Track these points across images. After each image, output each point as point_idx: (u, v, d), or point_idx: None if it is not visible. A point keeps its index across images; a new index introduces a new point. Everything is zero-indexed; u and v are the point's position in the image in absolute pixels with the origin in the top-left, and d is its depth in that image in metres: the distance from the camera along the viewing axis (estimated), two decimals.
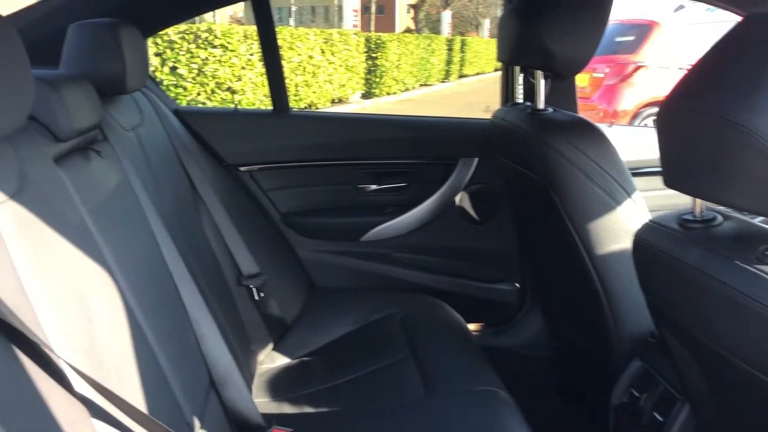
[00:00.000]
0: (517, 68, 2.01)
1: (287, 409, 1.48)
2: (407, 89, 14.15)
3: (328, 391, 1.53)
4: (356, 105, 11.72)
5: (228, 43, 8.05)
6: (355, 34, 12.05)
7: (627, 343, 1.42)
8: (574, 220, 1.40)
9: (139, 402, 0.97)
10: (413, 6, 30.00)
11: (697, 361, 1.07)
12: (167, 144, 1.71)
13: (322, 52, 10.49)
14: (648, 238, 1.05)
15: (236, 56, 8.17)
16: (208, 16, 11.91)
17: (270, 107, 2.13)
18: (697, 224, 0.98)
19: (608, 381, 1.45)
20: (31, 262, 0.83)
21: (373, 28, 22.48)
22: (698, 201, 0.97)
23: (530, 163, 1.51)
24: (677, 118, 0.89)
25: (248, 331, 1.69)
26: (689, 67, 0.90)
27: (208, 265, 1.61)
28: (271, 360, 1.72)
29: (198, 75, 7.87)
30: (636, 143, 2.68)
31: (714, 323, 0.94)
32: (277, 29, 2.07)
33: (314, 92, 10.34)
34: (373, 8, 26.30)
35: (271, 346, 1.77)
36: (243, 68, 8.29)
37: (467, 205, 2.12)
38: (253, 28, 8.30)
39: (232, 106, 7.22)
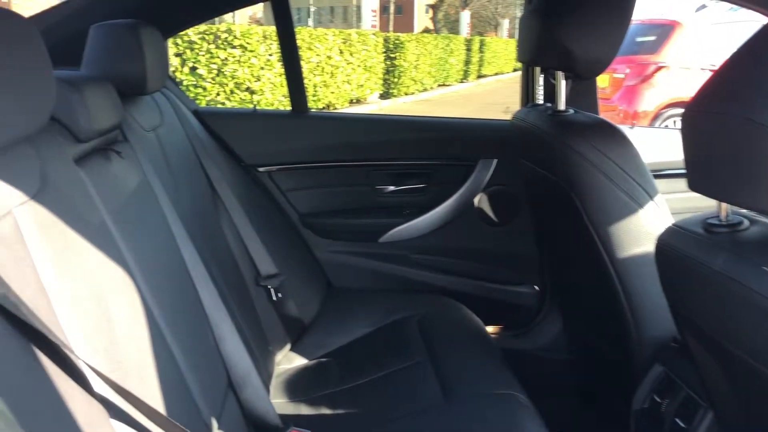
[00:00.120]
0: (538, 69, 1.99)
1: (304, 410, 1.48)
2: (425, 89, 14.13)
3: (346, 393, 1.52)
4: (374, 105, 11.73)
5: (247, 43, 8.09)
6: (373, 34, 12.06)
7: (648, 347, 1.40)
8: (595, 222, 1.38)
9: (157, 403, 0.97)
10: (432, 6, 29.95)
11: (721, 367, 1.05)
12: (187, 144, 1.71)
13: (341, 52, 10.51)
14: (672, 243, 1.03)
15: (255, 56, 8.21)
16: (227, 16, 11.99)
17: (289, 108, 2.14)
18: (722, 228, 0.96)
19: (629, 386, 1.43)
20: (52, 262, 0.83)
21: (391, 28, 22.51)
22: (724, 205, 0.96)
23: (551, 164, 1.50)
24: (702, 120, 0.87)
25: (266, 331, 1.69)
26: (712, 67, 0.88)
27: (226, 265, 1.62)
28: (288, 361, 1.72)
29: (217, 75, 7.92)
30: (657, 145, 2.65)
31: (740, 329, 0.92)
32: (295, 30, 2.07)
33: (332, 92, 10.36)
34: (392, 8, 26.31)
35: (288, 346, 1.77)
36: (262, 68, 8.33)
37: (486, 207, 2.11)
38: (272, 29, 8.34)
39: (251, 106, 7.27)
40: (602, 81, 6.20)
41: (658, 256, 1.08)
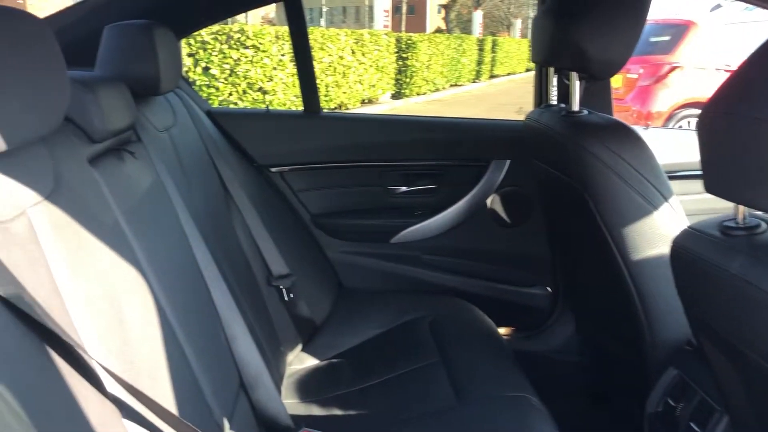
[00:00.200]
0: (551, 69, 1.98)
1: (316, 411, 1.48)
2: (437, 89, 14.11)
3: (357, 394, 1.52)
4: (386, 105, 11.72)
5: (260, 43, 8.11)
6: (385, 34, 12.05)
7: (662, 350, 1.39)
8: (608, 224, 1.37)
9: (169, 403, 0.97)
10: (444, 6, 29.92)
11: (737, 370, 1.04)
12: (199, 145, 1.72)
13: (353, 52, 10.51)
14: (687, 245, 1.02)
15: (268, 57, 8.23)
16: (240, 16, 12.02)
17: (301, 108, 2.14)
18: (739, 231, 0.94)
19: (642, 388, 1.42)
20: (66, 262, 0.83)
21: (403, 28, 22.51)
22: (741, 207, 0.94)
23: (564, 166, 1.49)
24: (719, 122, 0.86)
25: (278, 331, 1.70)
26: (727, 67, 0.87)
27: (238, 265, 1.62)
28: (300, 361, 1.72)
29: (230, 75, 7.95)
30: (672, 146, 2.62)
31: (756, 333, 0.91)
32: (308, 30, 2.08)
33: (344, 93, 10.37)
34: (404, 8, 26.31)
35: (300, 347, 1.77)
36: (274, 69, 8.35)
37: (499, 208, 2.10)
38: (284, 29, 8.36)
39: (264, 106, 7.28)
40: (615, 81, 6.16)
41: (674, 258, 1.07)
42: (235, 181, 1.77)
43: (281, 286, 1.77)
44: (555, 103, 1.96)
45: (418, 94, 13.05)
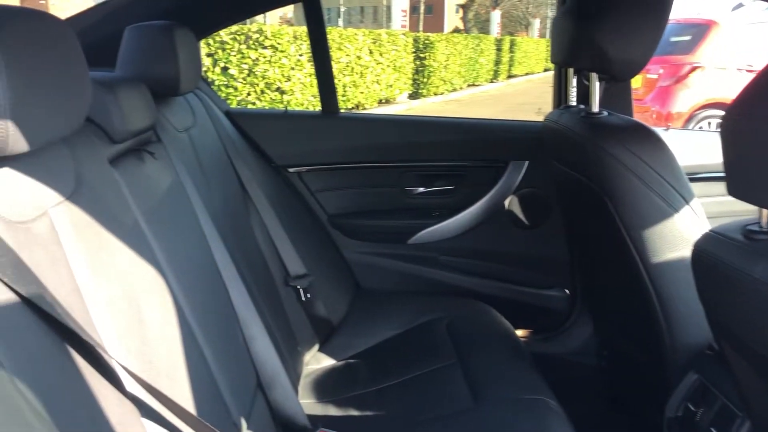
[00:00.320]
0: (571, 70, 1.97)
1: (332, 411, 1.48)
2: (455, 89, 14.08)
3: (374, 395, 1.52)
4: (404, 105, 11.72)
5: (278, 43, 8.14)
6: (403, 34, 12.05)
7: (682, 355, 1.38)
8: (628, 227, 1.36)
9: (187, 402, 0.98)
10: (462, 6, 29.85)
11: (759, 376, 1.02)
12: (218, 145, 1.73)
13: (370, 52, 10.52)
14: (709, 249, 1.01)
15: (286, 57, 8.26)
16: (258, 16, 12.08)
17: (318, 108, 2.14)
18: (763, 236, 0.93)
19: (661, 393, 1.41)
20: (86, 262, 0.84)
21: (421, 28, 22.48)
22: (765, 211, 0.93)
23: (584, 167, 1.48)
24: (743, 124, 0.85)
25: (295, 331, 1.70)
26: (749, 68, 0.86)
27: (256, 265, 1.62)
28: (316, 361, 1.72)
29: (248, 75, 7.99)
30: (693, 147, 2.60)
31: None
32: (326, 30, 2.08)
33: (362, 93, 10.38)
34: (422, 8, 26.28)
35: (317, 347, 1.78)
36: (292, 69, 8.37)
37: (517, 209, 2.09)
38: (302, 29, 8.39)
39: (282, 107, 7.31)
40: (635, 81, 6.09)
41: (695, 262, 1.06)
42: (253, 182, 1.78)
43: (298, 286, 1.78)
44: (574, 104, 1.94)
45: (435, 94, 13.03)
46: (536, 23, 29.46)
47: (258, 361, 1.34)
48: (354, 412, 1.46)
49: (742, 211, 0.95)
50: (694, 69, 6.30)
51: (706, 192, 1.78)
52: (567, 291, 2.09)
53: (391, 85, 11.43)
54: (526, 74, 20.24)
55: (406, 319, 1.83)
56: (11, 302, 0.67)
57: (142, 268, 0.98)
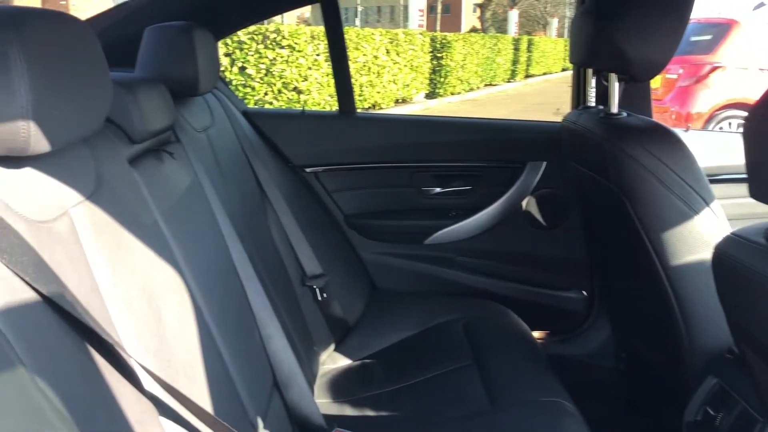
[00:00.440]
0: (590, 71, 1.95)
1: (348, 411, 1.48)
2: (472, 89, 14.04)
3: (390, 395, 1.52)
4: (420, 105, 11.71)
5: (295, 43, 8.17)
6: (420, 33, 12.04)
7: (701, 358, 1.36)
8: (647, 229, 1.35)
9: (204, 401, 0.98)
10: (480, 5, 29.76)
11: None
12: (236, 145, 1.74)
13: (387, 52, 10.52)
14: (730, 252, 1.00)
15: (303, 56, 8.29)
16: (276, 17, 12.13)
17: (335, 108, 2.15)
18: None
19: (680, 396, 1.39)
20: (106, 262, 0.85)
21: (438, 27, 22.44)
22: None
23: (603, 168, 1.47)
24: (765, 126, 0.84)
25: (311, 331, 1.70)
26: None
27: (273, 265, 1.63)
28: (332, 361, 1.72)
29: (266, 75, 8.02)
30: (713, 148, 2.57)
31: None
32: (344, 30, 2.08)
33: (378, 92, 10.38)
34: (439, 8, 26.24)
35: (333, 346, 1.78)
36: (309, 68, 8.40)
37: (534, 210, 2.08)
38: (319, 29, 8.40)
39: (299, 107, 7.33)
40: (654, 81, 6.05)
41: (715, 265, 1.05)
42: (270, 181, 1.78)
43: (315, 286, 1.78)
44: (593, 104, 1.93)
45: (452, 94, 13.00)
46: (554, 23, 29.30)
47: (274, 361, 1.35)
48: (369, 413, 1.46)
49: (763, 213, 0.94)
50: (714, 69, 6.24)
51: (727, 194, 1.76)
52: (584, 293, 2.08)
53: (407, 85, 11.42)
54: (544, 74, 20.14)
55: (422, 320, 1.83)
56: (32, 301, 0.68)
57: (160, 268, 0.99)
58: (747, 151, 0.87)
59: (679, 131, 1.83)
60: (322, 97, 8.61)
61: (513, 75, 17.31)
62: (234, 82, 7.81)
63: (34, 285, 0.68)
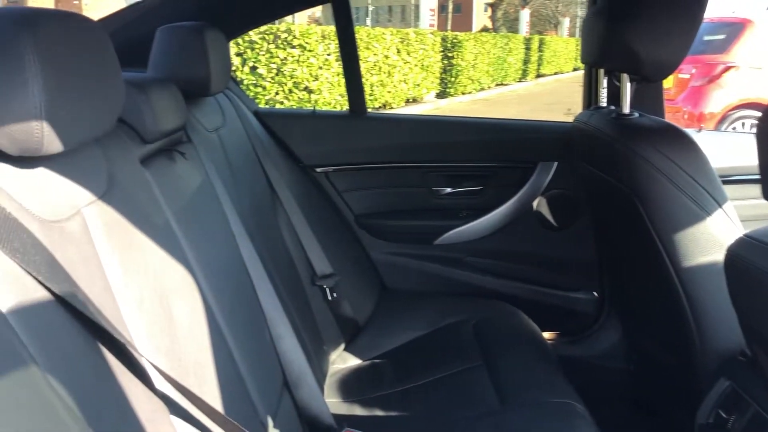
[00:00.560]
0: (601, 71, 1.94)
1: (358, 410, 1.48)
2: (483, 89, 14.01)
3: (400, 395, 1.52)
4: (431, 105, 11.69)
5: (306, 43, 8.18)
6: (431, 33, 12.02)
7: (713, 360, 1.35)
8: (659, 230, 1.34)
9: (215, 400, 0.99)
10: (491, 5, 29.70)
11: None
12: (247, 145, 1.74)
13: (398, 51, 10.52)
14: (742, 254, 0.99)
15: (314, 56, 8.30)
16: (287, 16, 12.15)
17: (346, 108, 2.15)
18: None
19: (691, 399, 1.38)
20: (118, 261, 0.85)
21: (449, 27, 22.41)
22: None
23: (614, 169, 1.46)
24: None
25: (321, 331, 1.71)
26: None
27: (283, 264, 1.63)
28: (342, 360, 1.72)
29: (277, 75, 8.03)
30: (727, 148, 2.55)
31: None
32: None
33: (389, 92, 10.38)
34: (450, 7, 26.20)
35: (342, 346, 1.78)
36: (320, 68, 8.41)
37: (545, 211, 2.07)
38: (330, 29, 8.41)
39: (310, 106, 7.35)
40: (666, 81, 6.01)
41: (728, 267, 1.04)
42: (281, 181, 1.79)
43: (325, 286, 1.78)
44: (604, 105, 1.92)
45: (463, 94, 12.98)
46: (566, 22, 29.18)
47: (285, 360, 1.35)
48: (379, 413, 1.47)
49: None
50: (728, 68, 6.19)
51: (740, 195, 1.75)
52: (595, 293, 2.07)
53: (418, 85, 11.41)
54: (555, 74, 20.06)
55: (432, 320, 1.83)
56: (45, 300, 0.68)
57: (172, 268, 0.99)
58: (760, 152, 0.86)
59: (691, 131, 1.82)
60: (332, 97, 8.61)
61: (524, 75, 17.25)
62: (245, 82, 7.84)
63: (47, 284, 0.68)
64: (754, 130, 0.89)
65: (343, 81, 2.13)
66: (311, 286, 1.77)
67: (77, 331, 0.72)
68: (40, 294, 0.68)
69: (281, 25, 8.34)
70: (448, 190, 2.14)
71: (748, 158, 0.90)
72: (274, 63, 7.96)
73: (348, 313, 1.84)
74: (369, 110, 2.19)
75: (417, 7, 18.03)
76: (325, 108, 8.36)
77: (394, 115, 2.48)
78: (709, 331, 1.34)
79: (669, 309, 1.40)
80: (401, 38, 10.61)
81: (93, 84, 0.80)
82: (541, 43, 19.08)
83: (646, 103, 1.69)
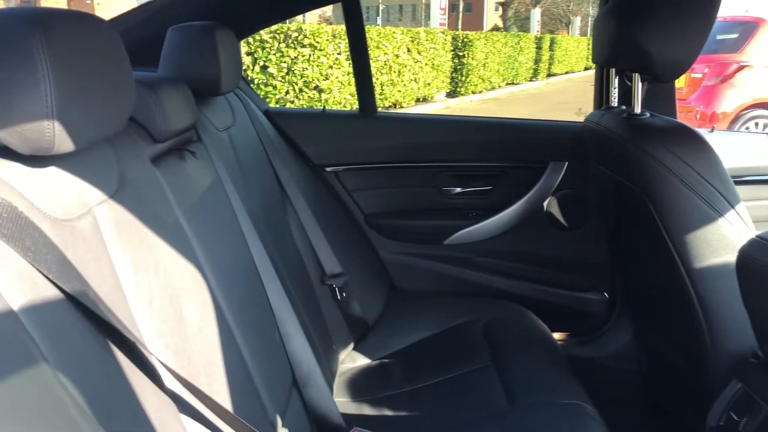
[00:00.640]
0: (613, 70, 1.93)
1: (367, 410, 1.48)
2: (493, 88, 13.99)
3: (409, 395, 1.52)
4: (441, 104, 11.68)
5: (317, 42, 8.19)
6: (441, 32, 12.01)
7: (724, 362, 1.34)
8: (670, 231, 1.33)
9: (224, 399, 0.99)
10: (502, 4, 29.62)
11: None
12: (257, 144, 1.74)
13: (408, 50, 10.51)
14: (754, 255, 0.98)
15: (324, 55, 8.31)
16: (298, 16, 12.16)
17: (356, 107, 2.15)
18: None
19: (702, 400, 1.37)
20: (128, 260, 0.86)
21: (460, 26, 22.37)
22: None
23: (625, 169, 1.45)
24: None
25: (330, 330, 1.71)
26: None
27: (293, 263, 1.64)
28: (351, 360, 1.72)
29: (287, 74, 8.05)
30: (739, 149, 2.53)
31: None
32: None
33: (399, 91, 10.37)
34: (461, 6, 26.16)
35: (352, 346, 1.78)
36: (330, 67, 8.41)
37: (555, 211, 2.06)
38: (341, 28, 8.42)
39: (320, 106, 7.35)
40: (678, 81, 5.99)
41: (740, 268, 1.04)
42: (291, 181, 1.79)
43: (334, 285, 1.78)
44: (616, 104, 1.91)
45: (473, 93, 12.96)
46: (577, 21, 29.09)
47: (294, 359, 1.35)
48: (388, 412, 1.46)
49: None
50: (741, 68, 6.15)
51: (753, 195, 1.74)
52: (606, 294, 2.06)
53: (429, 84, 11.40)
54: (566, 73, 20.00)
55: (442, 320, 1.82)
56: (56, 299, 0.69)
57: (182, 266, 1.00)
58: None
59: (704, 131, 1.80)
60: (342, 96, 8.62)
61: (535, 74, 17.21)
62: (256, 81, 7.86)
63: (58, 283, 0.69)
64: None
65: (353, 80, 2.13)
66: (321, 286, 1.77)
67: (88, 329, 0.72)
68: (51, 292, 0.68)
69: (292, 24, 8.35)
70: (458, 189, 2.13)
71: (762, 158, 0.90)
72: (284, 62, 7.98)
73: (357, 313, 1.84)
74: (379, 110, 2.19)
75: (427, 6, 18.00)
76: (335, 107, 8.37)
77: (404, 114, 2.47)
78: (721, 333, 1.34)
79: (680, 310, 1.39)
80: (412, 37, 10.60)
81: (104, 83, 0.81)
82: (552, 42, 19.02)
83: (658, 103, 1.68)
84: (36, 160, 0.75)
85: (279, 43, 7.93)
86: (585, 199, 2.02)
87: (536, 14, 22.68)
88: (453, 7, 24.49)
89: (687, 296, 1.35)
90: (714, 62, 6.24)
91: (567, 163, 2.01)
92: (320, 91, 8.31)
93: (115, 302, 0.80)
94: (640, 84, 1.47)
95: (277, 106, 7.14)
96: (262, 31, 7.73)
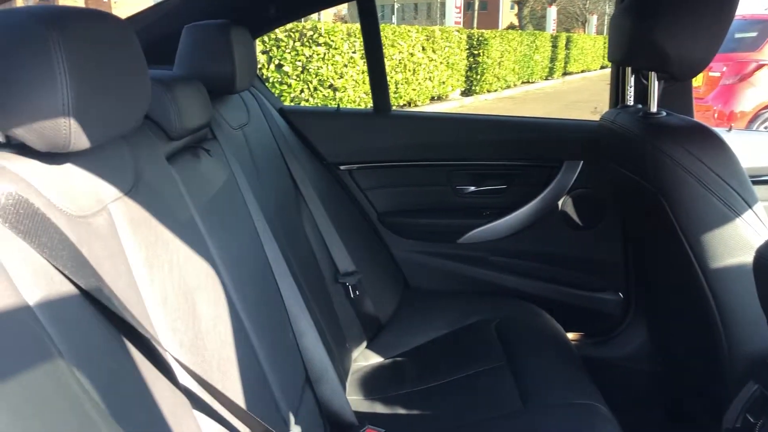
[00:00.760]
0: (629, 69, 1.92)
1: (379, 408, 1.48)
2: (509, 86, 13.93)
3: (421, 394, 1.52)
4: (456, 102, 11.65)
5: (332, 40, 8.20)
6: (457, 31, 11.98)
7: (741, 364, 1.33)
8: (686, 231, 1.32)
9: (238, 396, 1.00)
10: (517, 2, 29.48)
11: None
12: (272, 142, 1.75)
13: (423, 49, 10.49)
14: None
15: (339, 54, 8.31)
16: (312, 14, 12.18)
17: (371, 105, 2.15)
18: None
19: (719, 402, 1.36)
20: (143, 257, 0.86)
21: (475, 25, 22.32)
22: None
23: (641, 169, 1.44)
24: None
25: (343, 328, 1.71)
26: None
27: (306, 261, 1.64)
28: (364, 358, 1.73)
29: (302, 72, 8.07)
30: (757, 148, 2.50)
31: None
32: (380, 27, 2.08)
33: (414, 89, 10.36)
34: (476, 5, 26.08)
35: (365, 344, 1.78)
36: (345, 66, 8.42)
37: (570, 210, 2.05)
38: (356, 26, 8.42)
39: (335, 104, 7.36)
40: (696, 80, 5.93)
41: (757, 269, 1.02)
42: (305, 179, 1.79)
43: (348, 283, 1.79)
44: (632, 103, 1.90)
45: (488, 91, 12.92)
46: (593, 19, 28.91)
47: (307, 357, 1.36)
48: (401, 411, 1.46)
49: None
50: (760, 67, 6.08)
51: None
52: (621, 294, 2.05)
53: (443, 82, 11.38)
54: (582, 72, 19.88)
55: (455, 319, 1.82)
56: (71, 294, 0.69)
57: (196, 264, 1.00)
58: None
59: (721, 131, 1.78)
60: (357, 95, 8.62)
61: (551, 72, 17.13)
62: (271, 79, 7.88)
63: (73, 279, 0.69)
64: None
65: (367, 79, 2.13)
66: (334, 284, 1.78)
67: (103, 325, 0.73)
68: (66, 288, 0.69)
69: (307, 22, 8.36)
70: (472, 188, 2.13)
71: None
72: (299, 61, 8.00)
73: (370, 311, 1.84)
74: (393, 108, 2.19)
75: (443, 4, 17.97)
76: (349, 106, 8.38)
77: (418, 113, 2.46)
78: (737, 334, 1.32)
79: (696, 311, 1.38)
80: (427, 36, 10.58)
81: (120, 81, 0.81)
82: (568, 40, 18.92)
83: (675, 102, 1.67)
84: (52, 157, 0.75)
85: (294, 41, 7.95)
86: (600, 198, 2.01)
87: (552, 12, 22.56)
88: (468, 6, 24.41)
89: (703, 297, 1.34)
90: (732, 61, 6.18)
91: (582, 162, 1.99)
92: (335, 89, 8.32)
93: (129, 299, 0.80)
94: (656, 83, 1.46)
95: (292, 104, 7.16)
96: (277, 30, 7.75)
